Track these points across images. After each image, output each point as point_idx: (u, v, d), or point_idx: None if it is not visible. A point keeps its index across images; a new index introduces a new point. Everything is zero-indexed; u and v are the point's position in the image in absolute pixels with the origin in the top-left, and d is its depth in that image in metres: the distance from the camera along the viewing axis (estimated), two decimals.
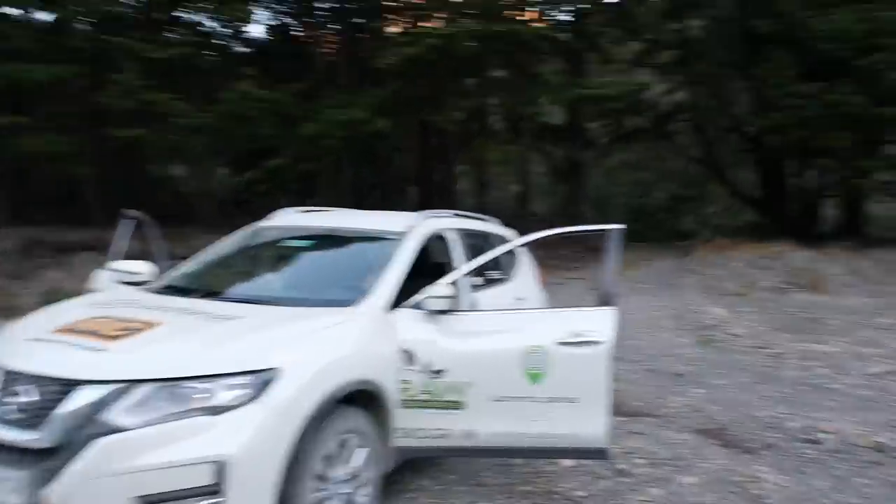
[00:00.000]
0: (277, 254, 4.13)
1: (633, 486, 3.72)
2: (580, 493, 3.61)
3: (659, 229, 19.89)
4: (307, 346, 2.82)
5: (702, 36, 17.64)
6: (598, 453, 3.26)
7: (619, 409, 4.42)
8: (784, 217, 17.97)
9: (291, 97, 15.04)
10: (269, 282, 3.89)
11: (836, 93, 14.20)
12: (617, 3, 17.01)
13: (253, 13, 17.18)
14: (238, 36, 17.94)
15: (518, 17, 16.16)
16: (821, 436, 4.59)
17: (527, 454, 3.50)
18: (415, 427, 3.16)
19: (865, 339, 7.93)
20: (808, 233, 16.24)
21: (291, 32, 19.92)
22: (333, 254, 4.05)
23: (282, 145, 15.85)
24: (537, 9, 16.62)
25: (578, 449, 3.26)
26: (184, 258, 4.18)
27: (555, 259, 11.79)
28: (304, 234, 4.14)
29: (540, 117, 18.54)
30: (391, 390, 3.07)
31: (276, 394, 2.54)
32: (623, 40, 18.45)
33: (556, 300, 5.88)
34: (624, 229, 3.35)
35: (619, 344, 3.28)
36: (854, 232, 17.79)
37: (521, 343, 3.16)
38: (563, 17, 17.15)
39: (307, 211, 4.54)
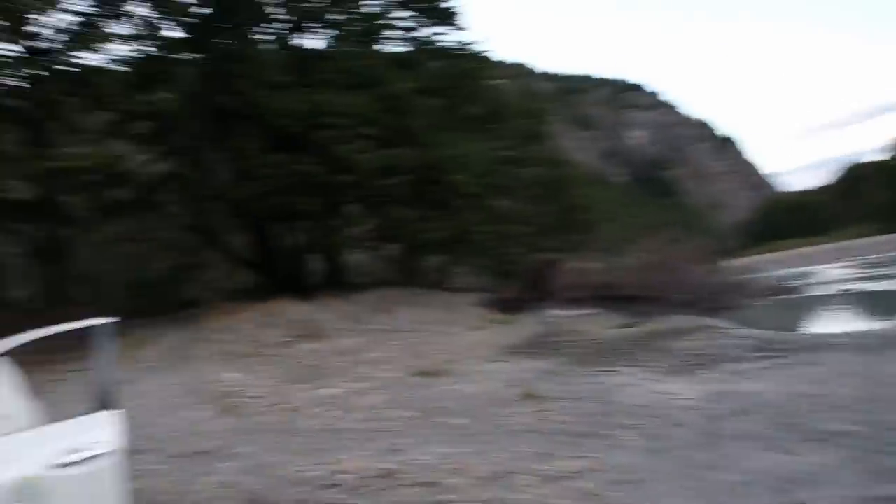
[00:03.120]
0: None
1: None
2: None
3: (165, 301, 19.26)
4: None
5: (174, 108, 17.72)
6: None
7: None
8: (277, 275, 19.04)
9: None
10: None
11: (301, 163, 15.85)
12: (74, 71, 16.07)
13: None
14: None
15: None
16: (340, 477, 4.87)
17: None
18: None
19: (361, 375, 9.08)
20: (299, 286, 17.31)
21: None
22: None
23: None
24: None
25: None
26: None
27: (47, 353, 9.45)
28: None
29: (2, 193, 16.23)
30: None
31: None
32: (90, 110, 17.53)
33: (61, 400, 5.44)
34: (114, 322, 3.08)
35: (136, 434, 3.04)
36: (337, 281, 19.78)
37: (5, 479, 2.57)
38: (14, 83, 15.45)
39: None
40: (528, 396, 7.19)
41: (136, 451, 3.03)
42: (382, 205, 18.15)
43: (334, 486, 4.75)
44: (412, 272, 21.35)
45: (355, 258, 22.67)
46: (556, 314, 14.92)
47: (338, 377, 8.97)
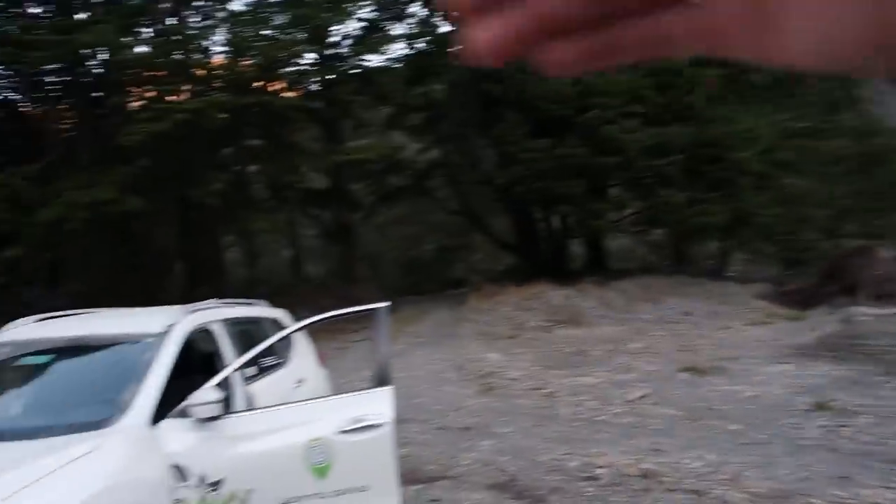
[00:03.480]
0: (11, 375, 3.38)
1: None
2: None
3: (433, 280, 21.07)
4: (44, 495, 2.20)
5: (444, 99, 18.93)
6: None
7: (414, 476, 4.49)
8: (538, 259, 19.06)
9: (22, 180, 13.37)
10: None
11: (564, 146, 15.50)
12: (361, 72, 18.01)
13: None
14: None
15: (269, 89, 16.17)
16: (597, 471, 4.71)
17: None
18: None
19: (622, 365, 8.58)
20: (560, 271, 17.07)
21: (20, 109, 17.46)
22: (81, 367, 3.40)
23: (18, 233, 13.71)
24: (287, 80, 16.71)
25: None
26: None
27: (335, 322, 10.67)
28: (43, 347, 3.41)
29: (303, 183, 18.78)
30: None
31: None
32: (374, 106, 19.32)
33: (343, 367, 6.22)
34: (389, 306, 3.45)
35: (404, 404, 3.35)
36: (598, 266, 19.13)
37: (302, 438, 3.01)
38: (313, 87, 17.71)
39: (46, 318, 3.84)
40: (822, 407, 6.11)
41: (403, 419, 3.29)
42: (650, 187, 17.36)
43: (591, 479, 4.59)
44: (682, 259, 20.09)
45: (619, 243, 22.40)
46: (863, 311, 12.59)
47: (596, 366, 8.72)
